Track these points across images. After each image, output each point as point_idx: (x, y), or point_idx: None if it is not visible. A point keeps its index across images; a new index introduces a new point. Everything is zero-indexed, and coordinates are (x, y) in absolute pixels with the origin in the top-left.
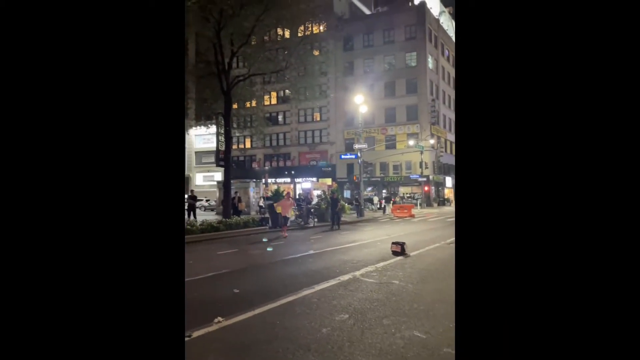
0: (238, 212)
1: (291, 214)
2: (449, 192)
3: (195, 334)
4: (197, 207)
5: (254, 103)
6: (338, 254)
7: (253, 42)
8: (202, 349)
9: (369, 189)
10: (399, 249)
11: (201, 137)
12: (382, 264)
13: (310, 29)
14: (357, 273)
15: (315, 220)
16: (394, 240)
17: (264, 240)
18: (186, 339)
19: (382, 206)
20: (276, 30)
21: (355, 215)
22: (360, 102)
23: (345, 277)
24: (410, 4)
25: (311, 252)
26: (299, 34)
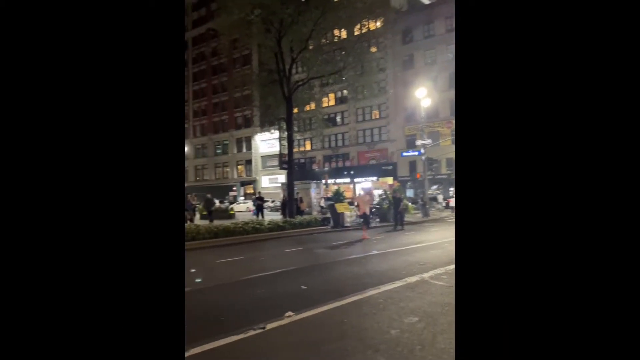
0: (301, 212)
1: (350, 214)
2: None
3: (269, 326)
4: (264, 208)
5: (312, 106)
6: (403, 255)
7: (311, 47)
8: (276, 342)
9: (434, 187)
10: None
11: (265, 142)
12: (452, 266)
13: (367, 26)
14: (425, 275)
15: (377, 220)
16: None
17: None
18: (259, 331)
19: (449, 205)
20: (333, 32)
21: (419, 215)
22: (423, 96)
23: (413, 279)
24: None
25: (374, 252)
26: (356, 33)
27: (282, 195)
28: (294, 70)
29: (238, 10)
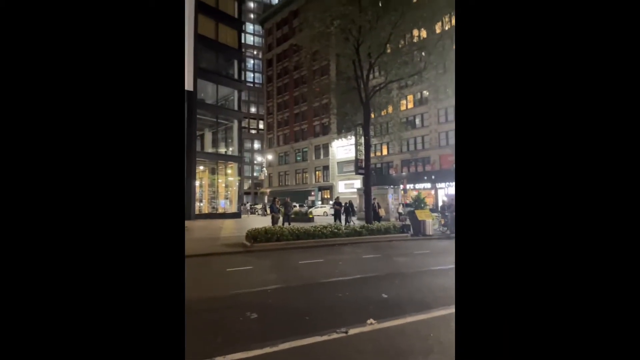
0: (378, 218)
1: (434, 222)
2: None
3: (351, 331)
4: (344, 213)
5: (390, 110)
6: None
7: (389, 50)
8: (359, 347)
9: None
10: None
11: (342, 148)
12: None
13: (449, 22)
14: None
15: None
16: None
17: None
18: (342, 335)
19: None
20: (412, 33)
21: None
22: None
23: None
24: None
25: None
26: (438, 31)
27: (358, 201)
28: (371, 76)
29: (319, 24)
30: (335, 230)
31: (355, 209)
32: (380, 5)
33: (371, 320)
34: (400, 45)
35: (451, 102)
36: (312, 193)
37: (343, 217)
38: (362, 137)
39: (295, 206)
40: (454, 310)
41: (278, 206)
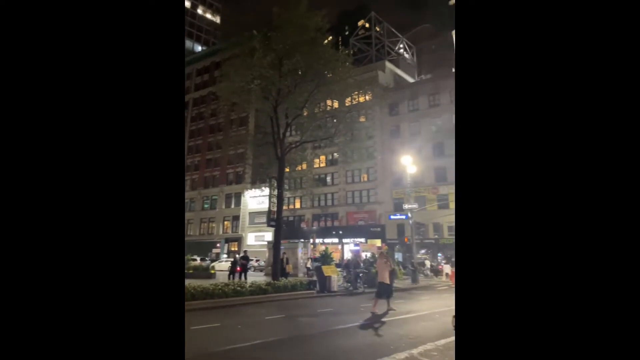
0: (286, 274)
1: (338, 278)
2: None
3: None
4: (248, 268)
5: (304, 166)
6: (392, 327)
7: (305, 114)
8: None
9: (422, 251)
10: None
11: (255, 199)
12: (443, 341)
13: (357, 99)
14: (415, 351)
15: (365, 285)
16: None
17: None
18: None
19: (441, 271)
20: (326, 102)
21: (408, 281)
22: (409, 163)
23: (402, 356)
24: (453, 70)
25: (361, 322)
26: (347, 104)
27: (267, 255)
28: (288, 133)
29: (239, 79)
30: (238, 289)
31: (263, 264)
32: (299, 73)
33: None
34: (315, 111)
35: (357, 165)
36: (218, 245)
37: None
38: (276, 190)
39: (195, 259)
40: None
41: None
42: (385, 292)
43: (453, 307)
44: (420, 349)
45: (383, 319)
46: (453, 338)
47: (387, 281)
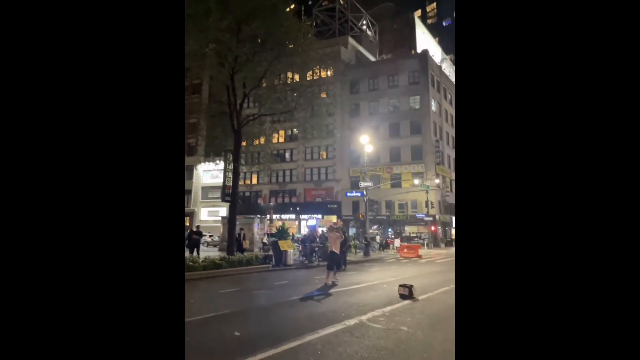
0: (242, 249)
1: (294, 252)
2: None
3: None
4: (201, 243)
5: (262, 140)
6: (343, 296)
7: (264, 85)
8: None
9: (374, 227)
10: (407, 292)
11: (209, 173)
12: (389, 308)
13: (318, 73)
14: (364, 317)
15: (320, 259)
16: (402, 283)
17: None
18: None
19: (391, 246)
20: (286, 74)
21: (361, 254)
22: (366, 142)
23: (351, 322)
24: (413, 52)
25: (315, 293)
26: (308, 78)
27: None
28: (245, 105)
29: (192, 42)
30: (191, 264)
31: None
32: (259, 41)
33: None
34: (275, 83)
35: (317, 142)
36: None
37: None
38: (232, 164)
39: None
40: (303, 341)
41: None
42: (335, 262)
43: (399, 278)
44: (369, 315)
45: (331, 291)
46: (398, 305)
47: (338, 251)
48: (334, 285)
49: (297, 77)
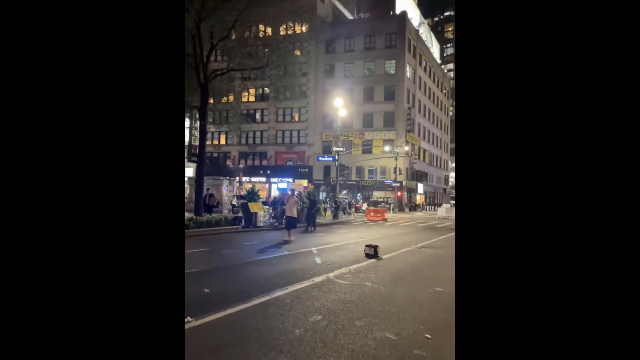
0: (210, 210)
1: (264, 214)
2: (420, 198)
3: None
4: None
5: (231, 98)
6: (312, 256)
7: (233, 37)
8: None
9: (344, 192)
10: (372, 252)
11: None
12: (355, 266)
13: (292, 28)
14: (331, 275)
15: None
16: (368, 243)
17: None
18: None
19: (359, 209)
20: (258, 26)
21: (330, 217)
22: (340, 106)
23: (319, 279)
24: (391, 13)
25: (285, 253)
26: (282, 33)
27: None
28: (212, 59)
29: None
30: None
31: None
32: None
33: (189, 319)
34: (245, 35)
35: (289, 104)
36: None
37: None
38: (198, 122)
39: None
40: (272, 296)
41: None
42: (292, 224)
43: (366, 239)
44: (336, 272)
45: (300, 250)
46: (363, 263)
47: (295, 215)
48: (291, 241)
49: (269, 31)
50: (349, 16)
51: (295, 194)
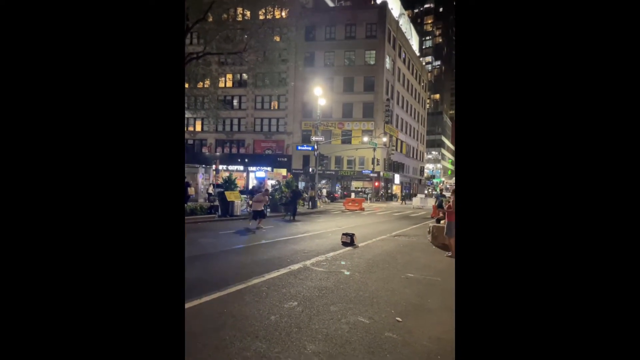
0: (187, 197)
1: (241, 203)
2: (397, 189)
3: None
4: None
5: (207, 83)
6: (290, 244)
7: (210, 19)
8: None
9: (323, 181)
10: (349, 240)
11: None
12: (332, 253)
13: (272, 13)
14: (308, 262)
15: (269, 210)
16: (344, 232)
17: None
18: None
19: (336, 199)
20: (236, 9)
21: (307, 206)
22: (320, 95)
23: (296, 266)
24: (372, 2)
25: (263, 241)
26: (261, 17)
27: None
28: (188, 40)
29: None
30: None
31: None
32: None
33: None
34: (223, 18)
35: (268, 91)
36: None
37: None
38: None
39: None
40: (249, 284)
41: None
42: (259, 215)
43: (343, 227)
44: (313, 260)
45: (278, 239)
46: (340, 251)
47: (261, 209)
48: (260, 228)
49: (248, 14)
50: (330, 3)
51: (270, 190)
